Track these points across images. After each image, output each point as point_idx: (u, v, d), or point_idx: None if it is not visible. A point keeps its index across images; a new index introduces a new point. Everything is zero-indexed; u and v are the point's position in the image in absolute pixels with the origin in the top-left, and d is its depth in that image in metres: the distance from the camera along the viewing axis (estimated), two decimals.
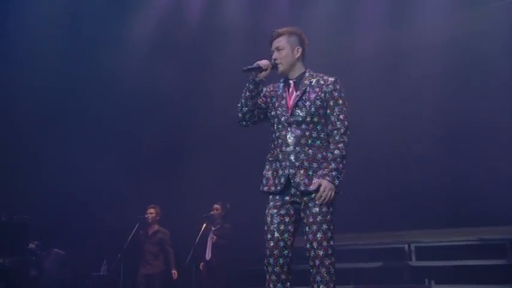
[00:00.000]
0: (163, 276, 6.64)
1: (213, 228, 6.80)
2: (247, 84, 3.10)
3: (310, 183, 2.93)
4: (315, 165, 2.97)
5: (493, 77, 6.23)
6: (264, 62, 3.08)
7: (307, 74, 3.18)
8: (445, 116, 6.38)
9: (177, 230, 7.02)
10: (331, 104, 3.05)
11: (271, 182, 3.08)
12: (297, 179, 2.96)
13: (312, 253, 2.87)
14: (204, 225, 6.59)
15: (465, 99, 6.28)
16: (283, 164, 3.02)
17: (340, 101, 3.06)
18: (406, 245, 5.61)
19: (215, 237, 6.67)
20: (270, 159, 3.15)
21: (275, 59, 3.15)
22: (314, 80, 3.14)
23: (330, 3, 7.14)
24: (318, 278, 2.84)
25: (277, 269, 2.93)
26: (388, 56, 7.02)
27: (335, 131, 3.01)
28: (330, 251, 2.86)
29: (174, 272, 6.64)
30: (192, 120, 8.30)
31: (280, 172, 3.03)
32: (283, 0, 7.52)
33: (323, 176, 2.91)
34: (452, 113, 6.37)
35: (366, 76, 6.85)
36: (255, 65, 3.06)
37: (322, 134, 3.05)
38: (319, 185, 2.89)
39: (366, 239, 6.27)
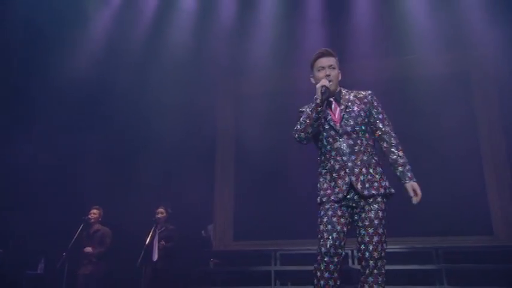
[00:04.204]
0: (103, 276, 6.63)
1: (158, 231, 6.89)
2: (313, 109, 3.17)
3: (371, 187, 3.12)
4: (371, 170, 3.18)
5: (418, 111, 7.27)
6: (327, 83, 3.21)
7: (343, 92, 3.41)
8: None
9: (121, 231, 6.99)
10: (374, 112, 3.32)
11: (329, 191, 3.19)
12: (359, 185, 3.12)
13: (367, 254, 3.06)
14: (153, 228, 6.69)
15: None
16: (342, 173, 3.17)
17: (380, 109, 3.35)
18: (349, 251, 6.26)
19: (162, 241, 6.74)
20: (323, 171, 3.30)
21: (328, 75, 3.29)
22: (352, 95, 3.38)
23: (274, 31, 7.64)
24: (370, 279, 3.05)
25: (331, 267, 3.04)
26: None
27: (386, 135, 3.27)
28: (383, 254, 3.07)
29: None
30: (139, 122, 8.30)
31: (340, 181, 3.16)
32: (229, 26, 7.86)
33: (410, 179, 3.15)
34: None
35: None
36: (323, 90, 3.16)
37: (370, 141, 3.28)
38: (413, 189, 3.14)
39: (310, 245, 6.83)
